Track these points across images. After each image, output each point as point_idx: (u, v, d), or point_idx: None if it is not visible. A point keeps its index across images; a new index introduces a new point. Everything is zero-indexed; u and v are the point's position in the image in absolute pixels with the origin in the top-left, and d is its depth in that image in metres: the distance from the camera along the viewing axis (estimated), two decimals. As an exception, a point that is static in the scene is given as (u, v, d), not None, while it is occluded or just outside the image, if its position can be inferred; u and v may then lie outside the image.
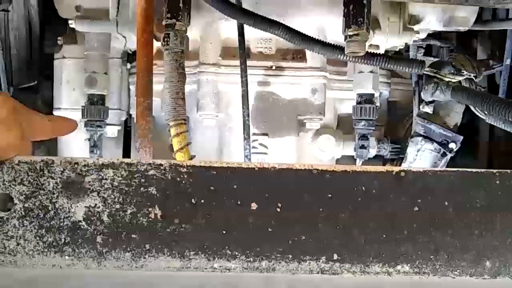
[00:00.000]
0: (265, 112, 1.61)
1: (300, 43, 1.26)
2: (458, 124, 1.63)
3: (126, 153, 1.77)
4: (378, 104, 1.65)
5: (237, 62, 1.47)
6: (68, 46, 1.65)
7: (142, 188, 0.67)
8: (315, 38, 1.26)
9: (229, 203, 0.67)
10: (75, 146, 1.68)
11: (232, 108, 1.59)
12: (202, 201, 0.67)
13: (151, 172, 0.67)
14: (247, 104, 1.46)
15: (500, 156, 1.83)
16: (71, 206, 0.66)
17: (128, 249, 0.65)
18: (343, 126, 1.72)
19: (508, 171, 0.71)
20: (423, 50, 1.72)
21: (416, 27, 1.57)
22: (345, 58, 1.23)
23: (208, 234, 0.66)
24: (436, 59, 1.64)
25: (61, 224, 0.66)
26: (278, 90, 1.61)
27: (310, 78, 1.60)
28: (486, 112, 1.37)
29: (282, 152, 1.63)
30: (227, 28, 1.56)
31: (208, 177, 0.67)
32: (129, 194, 0.66)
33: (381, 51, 1.57)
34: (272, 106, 1.61)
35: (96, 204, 0.66)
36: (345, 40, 1.14)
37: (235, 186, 0.68)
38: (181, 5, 1.30)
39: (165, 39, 1.32)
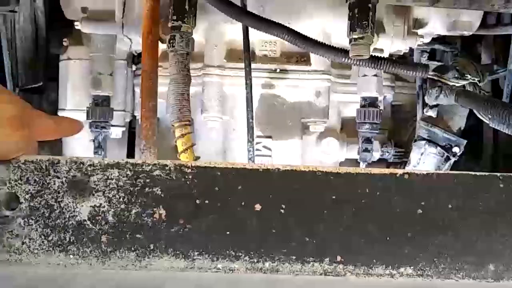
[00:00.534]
0: (269, 114, 1.62)
1: (305, 46, 1.27)
2: (462, 128, 1.63)
3: (130, 154, 1.77)
4: (382, 107, 1.65)
5: (242, 65, 1.47)
6: (74, 48, 1.66)
7: (147, 189, 0.67)
8: (319, 41, 1.27)
9: (234, 204, 0.67)
10: (79, 147, 1.69)
11: (236, 110, 1.59)
12: (207, 201, 0.67)
13: (156, 172, 0.67)
14: (251, 107, 1.46)
15: (504, 160, 1.83)
16: (76, 206, 0.66)
17: (133, 249, 0.66)
18: (347, 129, 1.72)
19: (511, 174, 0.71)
20: (427, 54, 1.73)
21: (420, 31, 1.57)
22: (349, 61, 1.23)
23: (212, 234, 0.66)
24: (440, 63, 1.64)
25: (66, 223, 0.66)
26: (282, 92, 1.61)
27: (314, 81, 1.61)
28: (489, 116, 1.37)
29: (285, 154, 1.63)
30: (232, 30, 1.56)
31: (212, 178, 0.68)
32: (134, 194, 0.67)
33: (386, 54, 1.57)
34: (276, 108, 1.62)
35: (101, 204, 0.67)
36: (349, 43, 1.14)
37: (239, 187, 0.68)
38: (187, 7, 1.30)
39: (171, 41, 1.32)
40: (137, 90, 1.69)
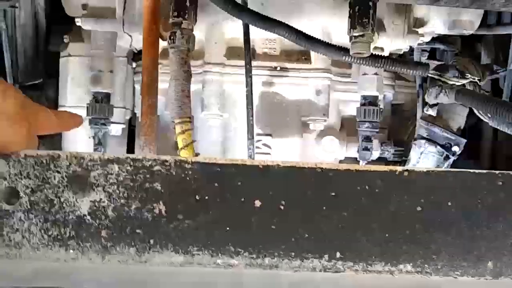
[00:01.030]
0: (269, 112, 1.62)
1: (305, 44, 1.27)
2: (462, 127, 1.63)
3: (130, 151, 1.77)
4: (382, 106, 1.65)
5: (242, 62, 1.47)
6: (74, 44, 1.66)
7: (147, 184, 0.67)
8: (319, 39, 1.27)
9: (233, 200, 0.68)
10: (79, 143, 1.68)
11: (236, 108, 1.59)
12: (206, 197, 0.67)
13: (156, 168, 0.68)
14: (251, 105, 1.46)
15: (504, 160, 1.83)
16: (76, 201, 0.66)
17: (132, 244, 0.66)
18: (346, 128, 1.72)
19: (510, 172, 0.71)
20: (427, 53, 1.73)
21: (420, 30, 1.57)
22: (349, 59, 1.23)
23: (211, 230, 0.67)
24: (440, 62, 1.64)
25: (66, 218, 0.66)
26: (282, 90, 1.61)
27: (315, 79, 1.61)
28: (489, 116, 1.37)
29: (285, 152, 1.63)
30: (233, 28, 1.56)
31: (212, 174, 0.68)
32: (134, 189, 0.67)
33: (386, 53, 1.57)
34: (276, 106, 1.62)
35: (101, 199, 0.67)
36: (350, 41, 1.14)
37: (239, 183, 0.68)
38: (187, 4, 1.30)
39: (172, 38, 1.32)
40: (137, 87, 1.69)
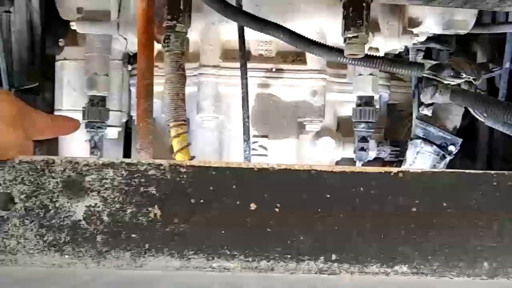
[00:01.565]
0: (265, 114, 1.62)
1: (300, 45, 1.27)
2: (458, 127, 1.63)
3: (127, 154, 1.77)
4: (377, 106, 1.65)
5: (237, 64, 1.48)
6: (70, 48, 1.66)
7: (142, 188, 0.67)
8: (314, 41, 1.27)
9: (228, 203, 0.67)
10: (75, 147, 1.68)
11: (232, 110, 1.60)
12: (202, 201, 0.67)
13: (151, 172, 0.67)
14: (247, 106, 1.46)
15: (500, 159, 1.84)
16: (71, 206, 0.66)
17: (128, 249, 0.66)
18: (343, 129, 1.72)
19: (506, 172, 0.71)
20: (422, 53, 1.73)
21: (415, 30, 1.58)
22: (344, 60, 1.23)
23: (207, 234, 0.67)
24: (435, 62, 1.65)
25: (61, 223, 0.66)
26: (278, 92, 1.62)
27: (310, 81, 1.61)
28: (485, 115, 1.37)
29: (282, 154, 1.63)
30: (228, 30, 1.57)
31: (207, 177, 0.68)
32: (129, 193, 0.67)
33: (381, 53, 1.57)
34: (272, 108, 1.62)
35: (96, 204, 0.67)
36: (344, 42, 1.14)
37: (234, 186, 0.68)
38: (181, 7, 1.30)
39: (166, 41, 1.32)
40: (133, 90, 1.69)
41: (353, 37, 1.09)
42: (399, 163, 1.72)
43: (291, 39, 1.26)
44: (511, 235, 0.69)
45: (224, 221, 0.67)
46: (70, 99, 1.66)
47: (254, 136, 1.60)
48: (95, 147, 1.62)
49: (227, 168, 0.68)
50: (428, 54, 1.78)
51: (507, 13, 1.68)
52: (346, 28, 1.10)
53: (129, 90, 1.73)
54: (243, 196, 0.68)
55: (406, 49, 1.71)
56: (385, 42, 1.57)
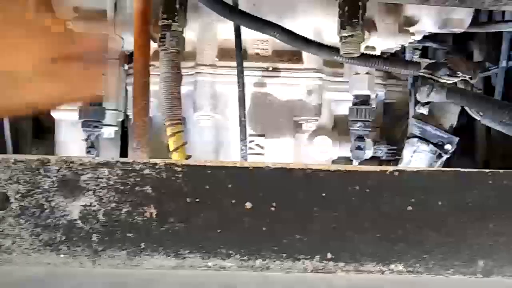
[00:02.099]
0: (262, 113, 1.62)
1: (296, 44, 1.27)
2: (454, 126, 1.63)
3: (123, 154, 1.77)
4: (374, 105, 1.65)
5: (234, 63, 1.47)
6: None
7: (137, 187, 0.67)
8: (310, 40, 1.27)
9: (224, 202, 0.68)
10: (72, 147, 1.68)
11: (228, 109, 1.59)
12: (197, 200, 0.67)
13: (146, 171, 0.67)
14: (243, 105, 1.46)
15: (497, 157, 1.84)
16: (66, 205, 0.66)
17: (123, 248, 0.66)
18: (339, 127, 1.72)
19: (501, 171, 0.71)
20: (419, 52, 1.73)
21: (411, 29, 1.58)
22: (340, 59, 1.23)
23: (203, 233, 0.67)
24: (432, 61, 1.65)
25: (57, 222, 0.66)
26: (274, 91, 1.62)
27: (306, 79, 1.61)
28: (481, 114, 1.37)
29: (278, 153, 1.63)
30: (224, 29, 1.56)
31: (203, 177, 0.68)
32: (125, 193, 0.67)
33: (377, 52, 1.57)
34: (268, 107, 1.62)
35: (91, 203, 0.67)
36: (340, 41, 1.14)
37: (229, 186, 0.68)
38: (177, 6, 1.30)
39: (161, 40, 1.32)
40: (130, 89, 1.69)
41: (349, 36, 1.09)
42: (396, 162, 1.72)
43: (288, 38, 1.26)
44: (506, 234, 0.69)
45: (220, 220, 0.67)
46: (66, 98, 1.65)
47: (251, 135, 1.60)
48: (92, 146, 1.62)
49: (223, 167, 0.68)
50: (424, 53, 1.78)
51: (503, 12, 1.68)
52: (341, 27, 1.10)
53: (126, 89, 1.72)
54: (239, 195, 0.68)
55: (403, 48, 1.71)
56: (381, 41, 1.57)
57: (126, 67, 1.71)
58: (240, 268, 0.67)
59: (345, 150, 1.69)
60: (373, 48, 1.57)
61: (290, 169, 0.70)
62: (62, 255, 0.65)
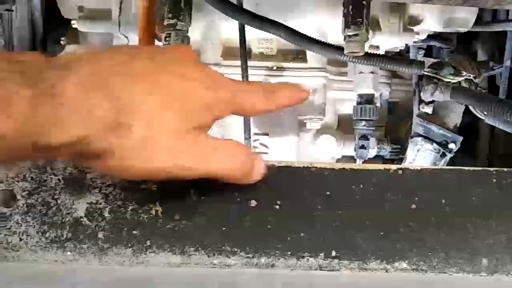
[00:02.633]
0: (266, 112, 1.62)
1: (300, 43, 1.27)
2: (458, 125, 1.63)
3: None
4: (378, 104, 1.66)
5: (238, 62, 1.48)
6: (71, 46, 1.66)
7: (143, 185, 0.68)
8: (315, 39, 1.27)
9: (229, 200, 0.68)
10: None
11: (233, 108, 1.60)
12: (202, 197, 0.68)
13: (152, 169, 0.68)
14: (248, 104, 1.46)
15: (500, 156, 1.84)
16: (73, 203, 0.67)
17: (129, 245, 0.66)
18: (343, 126, 1.73)
19: (505, 169, 0.71)
20: (423, 51, 1.73)
21: (416, 28, 1.58)
22: (344, 58, 1.24)
23: (207, 230, 0.67)
24: (436, 60, 1.65)
25: (63, 220, 0.66)
26: (278, 90, 1.62)
27: (311, 79, 1.61)
28: (485, 113, 1.37)
29: (282, 151, 1.64)
30: (228, 28, 1.57)
31: (208, 174, 0.68)
32: (131, 190, 0.67)
33: (382, 51, 1.57)
34: (272, 106, 1.62)
35: (97, 201, 0.67)
36: (344, 40, 1.14)
37: (234, 184, 0.68)
38: (182, 5, 1.31)
39: (167, 39, 1.33)
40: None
41: (353, 35, 1.09)
42: (400, 161, 1.73)
43: (292, 37, 1.26)
44: (510, 232, 0.69)
45: (225, 218, 0.68)
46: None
47: (255, 134, 1.60)
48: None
49: (228, 165, 0.68)
50: (428, 52, 1.78)
51: (507, 11, 1.67)
52: (346, 26, 1.10)
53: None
54: (244, 193, 0.68)
55: (407, 47, 1.71)
56: (386, 40, 1.57)
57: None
58: (245, 266, 0.67)
59: (349, 149, 1.69)
60: (378, 47, 1.57)
61: (294, 167, 0.70)
62: (68, 253, 0.66)
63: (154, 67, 0.59)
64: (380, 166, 0.71)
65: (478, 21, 1.61)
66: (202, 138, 0.61)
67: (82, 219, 0.67)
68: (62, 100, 0.51)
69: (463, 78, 1.49)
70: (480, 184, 0.70)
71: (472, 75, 1.50)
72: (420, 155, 1.61)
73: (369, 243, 0.68)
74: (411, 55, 1.71)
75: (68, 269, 0.65)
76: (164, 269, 0.66)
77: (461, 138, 1.60)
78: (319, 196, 0.69)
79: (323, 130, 1.66)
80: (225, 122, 1.62)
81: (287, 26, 1.27)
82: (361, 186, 0.70)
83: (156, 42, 1.42)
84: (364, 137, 1.63)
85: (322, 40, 1.29)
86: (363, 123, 1.61)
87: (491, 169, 0.71)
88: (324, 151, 1.67)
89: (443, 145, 1.59)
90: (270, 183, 0.69)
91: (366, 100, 1.62)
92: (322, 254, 0.67)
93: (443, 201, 0.70)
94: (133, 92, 0.56)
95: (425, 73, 1.51)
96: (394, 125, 1.83)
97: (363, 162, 1.67)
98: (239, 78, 1.47)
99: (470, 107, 1.50)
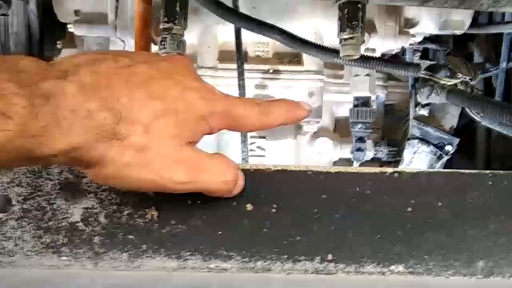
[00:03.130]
0: (263, 115, 1.62)
1: (296, 46, 1.27)
2: (454, 127, 1.64)
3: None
4: (374, 107, 1.66)
5: (235, 66, 1.48)
6: (67, 50, 1.66)
7: (138, 189, 0.67)
8: (311, 42, 1.27)
9: (225, 204, 0.68)
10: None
11: (229, 111, 1.60)
12: (198, 202, 0.67)
13: (148, 173, 0.68)
14: (244, 107, 1.46)
15: (497, 158, 1.84)
16: (68, 207, 0.67)
17: (125, 250, 0.66)
18: (340, 129, 1.73)
19: (501, 172, 0.71)
20: (419, 53, 1.73)
21: (412, 31, 1.58)
22: (340, 61, 1.24)
23: (204, 234, 0.67)
24: (432, 62, 1.65)
25: (59, 225, 0.66)
26: (275, 93, 1.62)
27: (307, 82, 1.61)
28: (481, 115, 1.38)
29: (279, 155, 1.64)
30: (225, 32, 1.57)
31: (204, 179, 0.68)
32: (126, 195, 0.67)
33: (378, 54, 1.58)
34: (269, 109, 1.62)
35: (93, 206, 0.67)
36: (340, 43, 1.14)
37: (230, 187, 0.68)
38: (177, 9, 1.31)
39: (162, 43, 1.33)
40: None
41: (349, 38, 1.09)
42: (397, 163, 1.73)
43: (288, 40, 1.26)
44: (506, 234, 0.69)
45: (221, 222, 0.68)
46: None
47: (252, 137, 1.61)
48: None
49: (224, 169, 0.68)
50: (425, 54, 1.78)
51: (503, 13, 1.68)
52: (341, 29, 1.10)
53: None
54: (240, 197, 0.68)
55: (403, 50, 1.72)
56: (382, 43, 1.58)
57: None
58: (241, 270, 0.67)
59: (346, 152, 1.70)
60: (374, 50, 1.57)
61: (290, 171, 0.70)
62: (64, 257, 0.65)
63: (154, 74, 0.59)
64: (376, 169, 0.71)
65: (474, 23, 1.62)
66: (196, 151, 0.61)
67: (77, 224, 0.66)
68: (59, 109, 0.51)
69: (459, 80, 1.49)
70: (476, 187, 0.70)
71: (468, 77, 1.50)
72: (417, 157, 1.61)
73: (366, 246, 0.68)
74: (407, 58, 1.71)
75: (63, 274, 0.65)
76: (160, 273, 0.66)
77: (457, 140, 1.61)
78: (315, 200, 0.69)
79: (320, 132, 1.66)
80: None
81: (283, 29, 1.28)
82: (357, 189, 0.70)
83: (153, 46, 1.42)
84: (361, 139, 1.63)
85: (318, 43, 1.29)
86: (360, 125, 1.62)
87: (487, 171, 0.71)
88: (321, 154, 1.67)
89: (440, 147, 1.59)
90: (266, 187, 0.69)
91: (362, 102, 1.62)
92: (318, 258, 0.67)
93: (439, 204, 0.70)
94: (132, 98, 0.55)
95: (421, 75, 1.51)
96: (390, 127, 1.83)
97: (360, 165, 1.68)
98: (236, 81, 1.47)
99: (466, 109, 1.50)
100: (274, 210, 0.68)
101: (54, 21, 1.61)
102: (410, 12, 1.57)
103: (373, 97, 1.64)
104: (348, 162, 1.71)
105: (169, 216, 0.67)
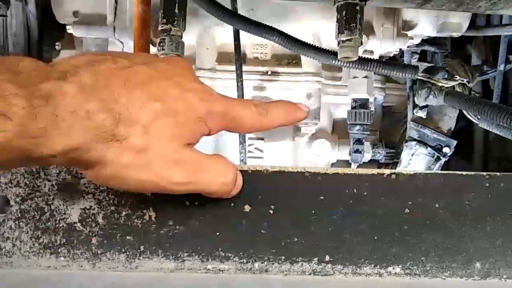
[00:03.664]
0: (261, 117, 1.62)
1: (295, 48, 1.27)
2: (452, 129, 1.64)
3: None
4: (372, 109, 1.66)
5: (233, 67, 1.48)
6: (66, 51, 1.66)
7: (136, 190, 0.67)
8: (309, 44, 1.27)
9: (223, 205, 0.68)
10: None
11: (228, 112, 1.60)
12: (196, 203, 0.68)
13: (146, 174, 0.68)
14: (243, 109, 1.46)
15: (495, 160, 1.85)
16: (66, 208, 0.67)
17: (123, 251, 0.66)
18: (338, 131, 1.73)
19: (498, 173, 0.72)
20: (417, 56, 1.74)
21: (410, 33, 1.59)
22: (338, 63, 1.24)
23: (201, 235, 0.67)
24: (430, 64, 1.66)
25: (57, 225, 0.66)
26: (273, 95, 1.62)
27: (305, 83, 1.61)
28: (478, 117, 1.38)
29: (278, 156, 1.64)
30: (223, 33, 1.57)
31: (201, 180, 0.68)
32: (124, 196, 0.67)
33: (376, 56, 1.58)
34: (267, 111, 1.62)
35: (91, 206, 0.67)
36: (338, 45, 1.15)
37: (228, 189, 0.68)
38: (176, 10, 1.31)
39: (161, 44, 1.33)
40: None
41: (347, 40, 1.09)
42: (394, 165, 1.73)
43: (286, 42, 1.26)
44: (503, 236, 0.69)
45: (218, 223, 0.68)
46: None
47: (250, 138, 1.61)
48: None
49: (222, 170, 0.68)
50: (422, 56, 1.79)
51: (501, 16, 1.69)
52: (339, 31, 1.10)
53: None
54: (237, 198, 0.68)
55: (401, 52, 1.72)
56: (380, 45, 1.58)
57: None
58: (238, 271, 0.67)
59: (343, 153, 1.70)
60: (372, 52, 1.58)
61: (288, 172, 0.70)
62: (62, 258, 0.66)
63: (153, 75, 0.59)
64: (374, 171, 0.71)
65: (472, 25, 1.62)
66: (195, 152, 0.61)
67: (75, 225, 0.66)
68: (58, 110, 0.51)
69: (456, 83, 1.49)
70: (473, 189, 0.71)
71: (465, 80, 1.51)
72: (415, 159, 1.62)
73: (363, 247, 0.68)
74: (405, 60, 1.71)
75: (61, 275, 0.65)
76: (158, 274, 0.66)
77: (455, 142, 1.61)
78: (312, 201, 0.69)
79: (318, 134, 1.67)
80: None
81: (282, 31, 1.28)
82: (355, 191, 0.70)
83: (151, 48, 1.42)
84: (359, 141, 1.63)
85: (316, 45, 1.30)
86: (358, 127, 1.62)
87: (484, 173, 0.71)
88: (319, 156, 1.67)
89: (438, 149, 1.60)
90: (264, 188, 0.69)
91: (360, 104, 1.62)
92: (316, 259, 0.67)
93: (437, 205, 0.70)
94: (131, 99, 0.56)
95: (419, 77, 1.52)
96: (388, 129, 1.83)
97: (358, 166, 1.68)
98: (234, 83, 1.47)
99: (464, 111, 1.51)
100: (271, 211, 0.68)
101: (53, 22, 1.61)
102: (408, 14, 1.57)
103: (371, 99, 1.65)
104: (346, 164, 1.71)
105: (167, 217, 0.67)
